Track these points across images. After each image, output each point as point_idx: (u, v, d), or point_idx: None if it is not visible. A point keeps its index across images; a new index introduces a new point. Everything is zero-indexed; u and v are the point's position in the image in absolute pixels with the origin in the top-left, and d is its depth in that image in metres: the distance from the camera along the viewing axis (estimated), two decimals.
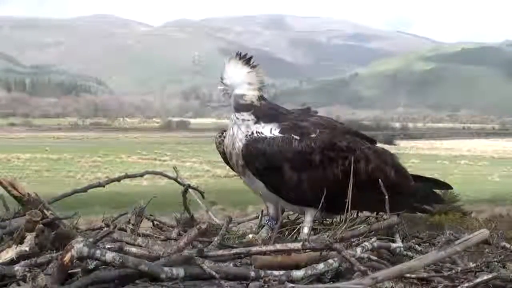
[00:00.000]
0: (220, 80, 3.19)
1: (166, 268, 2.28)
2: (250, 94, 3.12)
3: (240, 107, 3.11)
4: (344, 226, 3.15)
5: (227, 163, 3.27)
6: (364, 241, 2.71)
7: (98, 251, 2.23)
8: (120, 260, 2.22)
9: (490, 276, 2.52)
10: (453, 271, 2.64)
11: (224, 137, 3.24)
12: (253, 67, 3.15)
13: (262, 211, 3.53)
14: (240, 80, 3.12)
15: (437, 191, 3.57)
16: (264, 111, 3.11)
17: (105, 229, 2.72)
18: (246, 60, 3.15)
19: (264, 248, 2.54)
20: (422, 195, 3.45)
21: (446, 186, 3.61)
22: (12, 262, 2.52)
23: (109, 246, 2.41)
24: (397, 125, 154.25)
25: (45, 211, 2.84)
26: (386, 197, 2.98)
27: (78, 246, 2.21)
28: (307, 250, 2.55)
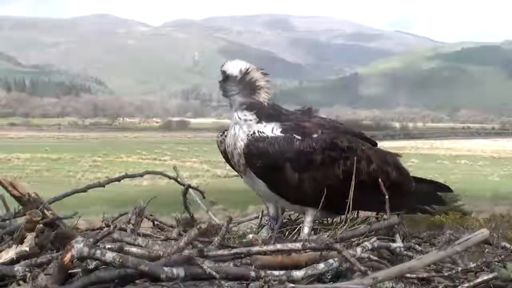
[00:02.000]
0: (224, 78, 3.20)
1: (166, 268, 2.28)
2: (257, 95, 3.13)
3: (245, 106, 3.11)
4: (345, 226, 3.15)
5: (228, 162, 3.28)
6: (365, 241, 2.71)
7: (98, 251, 2.23)
8: (120, 260, 2.22)
9: (490, 276, 2.52)
10: (453, 271, 2.64)
11: (226, 136, 3.24)
12: (263, 73, 3.19)
13: (262, 211, 3.53)
14: (250, 81, 3.14)
15: (438, 193, 3.57)
16: (267, 111, 3.12)
17: (105, 229, 2.71)
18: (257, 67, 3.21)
19: (264, 248, 2.54)
20: (424, 196, 3.46)
21: (446, 189, 3.61)
22: (13, 262, 2.52)
23: (109, 246, 2.40)
24: (397, 125, 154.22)
25: (45, 211, 2.85)
26: (387, 197, 2.98)
27: (78, 246, 2.20)
28: (307, 250, 2.55)
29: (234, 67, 3.16)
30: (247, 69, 3.14)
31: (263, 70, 3.21)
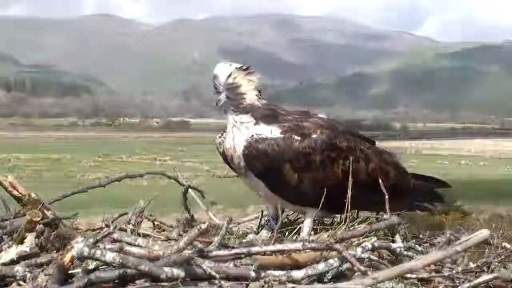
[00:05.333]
0: (214, 86, 3.18)
1: (166, 269, 2.28)
2: (249, 97, 3.11)
3: (239, 110, 3.10)
4: (345, 226, 3.14)
5: (228, 164, 3.27)
6: (365, 241, 2.71)
7: (98, 251, 2.23)
8: (120, 261, 2.22)
9: (490, 276, 2.52)
10: (454, 271, 2.64)
11: (224, 138, 3.23)
12: (250, 72, 3.15)
13: (262, 211, 3.53)
14: (238, 84, 3.12)
15: (437, 190, 3.57)
16: (263, 112, 3.11)
17: (105, 229, 2.71)
18: (243, 66, 3.16)
19: (264, 248, 2.54)
20: (423, 194, 3.46)
21: (444, 185, 3.62)
22: (13, 262, 2.52)
23: (109, 246, 2.40)
24: (397, 125, 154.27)
25: (45, 211, 2.85)
26: (386, 196, 2.98)
27: (78, 246, 2.20)
28: (307, 250, 2.55)
29: (218, 72, 3.15)
30: (230, 74, 3.11)
31: (248, 67, 3.16)
